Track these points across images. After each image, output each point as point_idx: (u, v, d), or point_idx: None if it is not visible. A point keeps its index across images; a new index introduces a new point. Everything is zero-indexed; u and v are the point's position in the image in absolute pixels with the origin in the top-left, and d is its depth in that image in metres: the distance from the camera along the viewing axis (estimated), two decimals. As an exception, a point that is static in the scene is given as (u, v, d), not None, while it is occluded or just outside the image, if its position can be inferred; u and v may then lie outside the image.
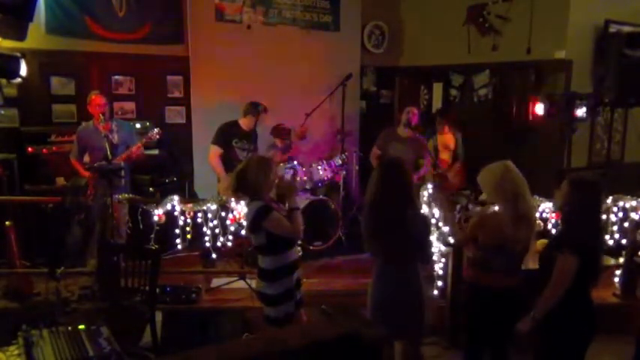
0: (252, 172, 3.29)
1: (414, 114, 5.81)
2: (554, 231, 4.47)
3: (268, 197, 3.37)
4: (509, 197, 3.09)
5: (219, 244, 4.66)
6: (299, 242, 5.37)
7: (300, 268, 3.52)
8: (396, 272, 3.19)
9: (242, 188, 3.35)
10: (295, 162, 5.85)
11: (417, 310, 3.18)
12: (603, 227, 3.09)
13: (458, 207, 4.19)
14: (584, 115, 5.31)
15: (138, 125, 5.80)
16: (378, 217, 3.16)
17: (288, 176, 5.46)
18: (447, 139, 6.00)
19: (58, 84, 5.91)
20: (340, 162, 6.05)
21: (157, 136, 5.10)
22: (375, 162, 6.02)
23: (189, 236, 4.56)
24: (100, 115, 4.86)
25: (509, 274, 3.17)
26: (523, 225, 3.11)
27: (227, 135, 5.39)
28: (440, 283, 4.43)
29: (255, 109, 5.38)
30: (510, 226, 3.08)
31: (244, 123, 5.42)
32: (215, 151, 5.37)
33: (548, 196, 4.60)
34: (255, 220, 3.25)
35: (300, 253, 5.22)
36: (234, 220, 4.59)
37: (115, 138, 4.99)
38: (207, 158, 5.49)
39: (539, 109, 5.39)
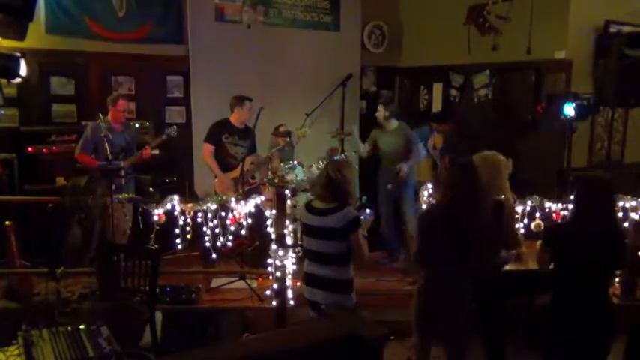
0: (344, 177, 3.29)
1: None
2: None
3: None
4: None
5: (219, 244, 4.66)
6: (299, 242, 5.36)
7: None
8: (452, 278, 3.09)
9: (333, 196, 3.30)
10: (295, 162, 5.83)
11: (465, 316, 3.14)
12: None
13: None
14: (584, 115, 5.29)
15: (137, 125, 5.80)
16: (451, 220, 3.05)
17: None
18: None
19: (58, 84, 5.90)
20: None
21: (175, 134, 5.21)
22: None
23: (189, 236, 4.56)
24: (101, 115, 4.88)
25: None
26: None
27: (217, 132, 5.46)
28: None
29: (239, 101, 5.44)
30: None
31: (233, 118, 5.49)
32: (207, 148, 5.46)
33: (548, 196, 4.60)
34: (349, 228, 3.24)
35: (300, 254, 5.24)
36: (234, 220, 4.58)
37: (123, 138, 5.13)
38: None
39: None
